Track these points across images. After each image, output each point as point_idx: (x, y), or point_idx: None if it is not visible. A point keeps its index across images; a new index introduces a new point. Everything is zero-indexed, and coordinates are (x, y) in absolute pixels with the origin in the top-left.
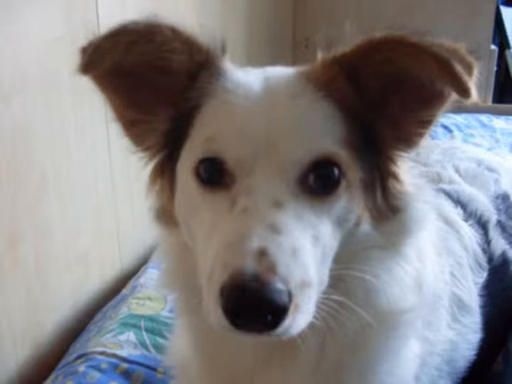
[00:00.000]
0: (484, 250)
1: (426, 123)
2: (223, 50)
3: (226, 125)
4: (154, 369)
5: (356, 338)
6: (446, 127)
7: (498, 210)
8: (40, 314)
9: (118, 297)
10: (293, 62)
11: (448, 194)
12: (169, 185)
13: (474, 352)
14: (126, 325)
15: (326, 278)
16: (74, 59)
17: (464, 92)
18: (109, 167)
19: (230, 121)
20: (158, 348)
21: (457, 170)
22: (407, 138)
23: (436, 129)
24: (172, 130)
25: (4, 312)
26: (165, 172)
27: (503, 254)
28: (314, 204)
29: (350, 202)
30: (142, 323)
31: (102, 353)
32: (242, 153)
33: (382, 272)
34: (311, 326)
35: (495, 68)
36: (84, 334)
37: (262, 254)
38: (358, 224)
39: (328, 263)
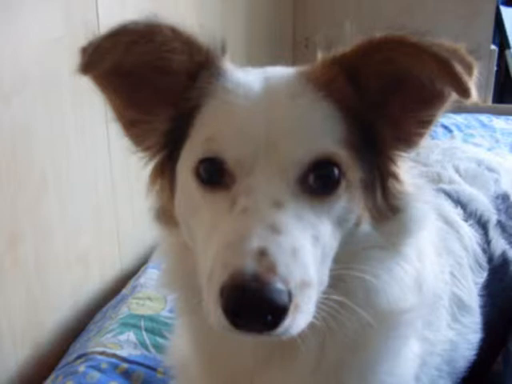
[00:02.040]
0: (484, 250)
1: (425, 123)
2: (223, 50)
3: (226, 125)
4: (154, 369)
5: (356, 338)
6: (446, 127)
7: (498, 209)
8: (40, 314)
9: (118, 297)
10: (293, 62)
11: (448, 194)
12: (169, 185)
13: (473, 352)
14: (126, 325)
15: (325, 278)
16: (74, 59)
17: (464, 92)
18: (109, 167)
19: (230, 121)
20: (158, 348)
21: (457, 170)
22: (407, 138)
23: (436, 129)
24: (172, 129)
25: (4, 312)
26: (165, 172)
27: (503, 254)
28: (314, 204)
29: (350, 202)
30: (142, 323)
31: (102, 353)
32: (241, 153)
33: (381, 272)
34: (311, 326)
35: (495, 68)
36: (84, 333)
37: (262, 254)
38: (358, 224)
39: (328, 263)
